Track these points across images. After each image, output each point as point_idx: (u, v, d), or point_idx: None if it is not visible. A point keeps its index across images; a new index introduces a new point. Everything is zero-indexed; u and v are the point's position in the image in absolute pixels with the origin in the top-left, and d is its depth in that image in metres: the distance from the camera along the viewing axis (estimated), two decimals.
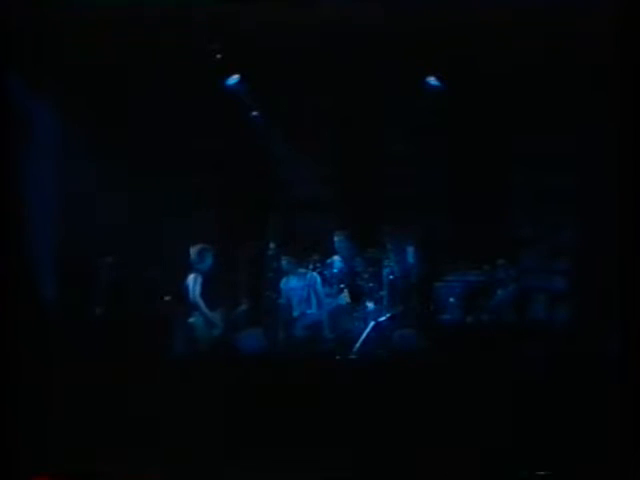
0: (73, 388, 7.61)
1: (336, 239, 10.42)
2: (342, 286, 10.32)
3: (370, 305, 10.25)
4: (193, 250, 9.18)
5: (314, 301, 10.11)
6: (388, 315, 10.14)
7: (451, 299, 10.59)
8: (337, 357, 9.50)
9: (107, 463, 6.92)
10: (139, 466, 6.89)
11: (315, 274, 10.21)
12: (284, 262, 10.28)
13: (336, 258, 10.48)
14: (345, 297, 10.28)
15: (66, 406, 7.47)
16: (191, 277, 9.30)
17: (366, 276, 10.42)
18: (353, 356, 9.62)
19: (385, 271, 10.45)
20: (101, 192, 10.05)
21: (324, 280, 10.27)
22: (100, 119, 10.01)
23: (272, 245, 10.67)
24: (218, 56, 10.16)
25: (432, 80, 10.51)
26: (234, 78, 10.60)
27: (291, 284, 10.18)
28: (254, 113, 11.01)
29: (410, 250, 10.70)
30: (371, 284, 10.38)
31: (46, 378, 7.70)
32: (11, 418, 7.34)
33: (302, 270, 10.16)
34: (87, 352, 8.06)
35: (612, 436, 7.00)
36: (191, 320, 9.30)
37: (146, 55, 9.69)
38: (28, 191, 8.94)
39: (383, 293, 10.37)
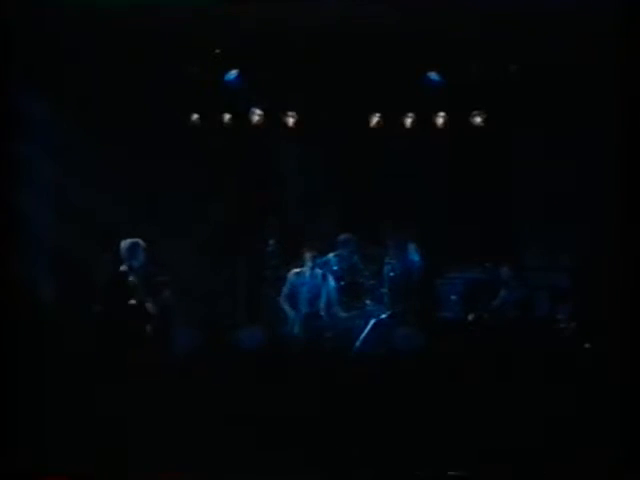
0: (73, 387, 7.72)
1: (339, 237, 10.41)
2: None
3: (370, 303, 10.31)
4: (123, 245, 8.74)
5: (322, 302, 10.09)
6: (389, 313, 10.20)
7: (452, 297, 10.70)
8: (337, 356, 9.53)
9: (107, 463, 7.01)
10: (139, 466, 6.98)
11: (326, 274, 10.19)
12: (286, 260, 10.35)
13: (335, 255, 10.44)
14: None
15: (66, 406, 7.56)
16: None
17: (367, 273, 10.44)
18: (353, 355, 9.71)
19: (386, 268, 10.49)
20: (100, 191, 10.20)
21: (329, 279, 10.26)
22: (99, 119, 10.12)
23: (271, 242, 10.82)
24: (217, 51, 10.32)
25: (433, 75, 10.61)
26: (233, 73, 10.75)
27: (295, 282, 10.15)
28: (253, 111, 11.17)
29: (411, 247, 10.73)
30: (372, 281, 10.41)
31: (45, 378, 7.81)
32: (11, 418, 7.45)
33: (307, 269, 10.12)
34: (86, 351, 8.19)
35: (614, 435, 7.12)
36: None
37: (145, 55, 9.88)
38: (26, 190, 9.10)
39: (384, 291, 10.42)
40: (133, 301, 8.39)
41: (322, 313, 10.09)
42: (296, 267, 10.24)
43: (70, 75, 9.58)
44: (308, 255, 10.15)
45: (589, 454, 6.95)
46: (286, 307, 10.12)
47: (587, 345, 9.20)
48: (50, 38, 8.93)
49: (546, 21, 8.63)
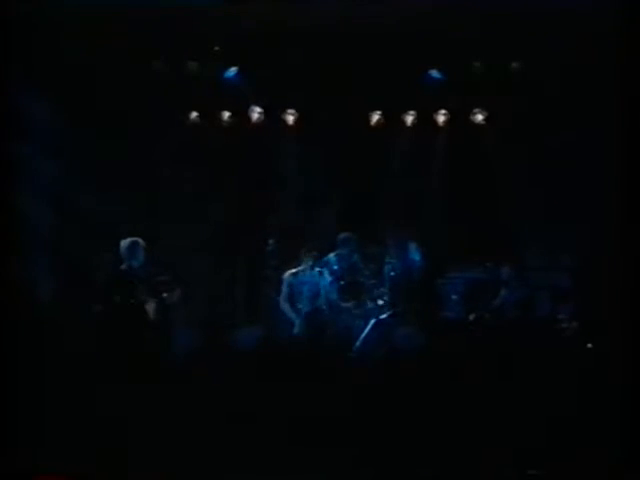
0: (73, 387, 7.81)
1: (339, 236, 10.40)
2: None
3: (370, 302, 10.32)
4: (123, 244, 8.75)
5: (321, 301, 10.14)
6: (389, 313, 10.24)
7: (453, 296, 10.73)
8: (337, 356, 9.54)
9: (107, 463, 7.07)
10: (139, 466, 7.04)
11: (322, 272, 10.22)
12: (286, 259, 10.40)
13: (335, 255, 10.43)
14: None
15: (66, 406, 7.64)
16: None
17: (367, 273, 10.45)
18: (353, 355, 9.74)
19: (386, 268, 10.53)
20: (99, 190, 10.30)
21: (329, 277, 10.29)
22: (97, 118, 10.22)
23: (271, 241, 10.88)
24: (216, 48, 10.45)
25: (434, 73, 10.70)
26: (232, 70, 10.88)
27: (294, 282, 10.18)
28: (253, 109, 11.27)
29: (412, 246, 10.80)
30: (372, 281, 10.43)
31: (45, 378, 7.89)
32: (10, 418, 7.53)
33: (306, 268, 10.16)
34: (86, 351, 8.28)
35: (614, 435, 7.20)
36: None
37: (144, 53, 10.00)
38: (26, 190, 9.20)
39: (384, 290, 10.45)
40: (133, 300, 8.45)
41: (322, 312, 10.12)
42: (295, 267, 10.25)
43: (70, 75, 9.69)
44: (308, 254, 10.18)
45: (589, 454, 7.03)
46: (286, 307, 10.15)
47: (589, 345, 9.28)
48: (50, 38, 9.04)
49: (546, 21, 8.73)
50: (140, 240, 8.76)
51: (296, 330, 10.07)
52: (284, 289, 10.22)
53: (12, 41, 8.40)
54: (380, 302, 10.39)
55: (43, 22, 8.74)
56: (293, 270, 10.24)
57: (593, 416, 7.40)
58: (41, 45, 9.07)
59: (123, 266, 8.67)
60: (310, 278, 10.21)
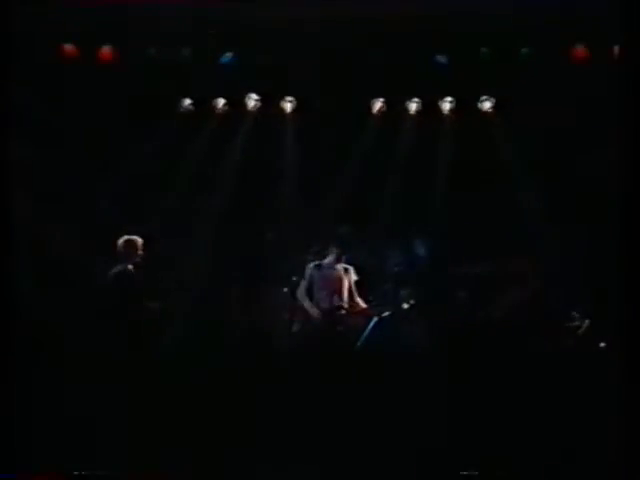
0: (71, 387, 8.15)
1: (340, 230, 10.68)
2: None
3: (373, 299, 10.47)
4: (120, 242, 8.90)
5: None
6: (393, 310, 10.34)
7: (461, 293, 10.97)
8: (337, 355, 9.67)
9: (106, 463, 7.40)
10: (139, 466, 7.35)
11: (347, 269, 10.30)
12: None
13: (335, 250, 10.40)
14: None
15: (64, 405, 7.94)
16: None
17: (370, 269, 10.64)
18: (355, 354, 9.96)
19: (390, 263, 10.86)
20: (97, 187, 10.70)
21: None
22: (91, 116, 10.63)
23: (270, 235, 11.22)
24: (211, 32, 10.83)
25: (440, 58, 11.00)
26: (227, 56, 11.25)
27: (317, 274, 10.21)
28: (249, 95, 11.62)
29: (417, 240, 11.10)
30: (375, 277, 10.66)
31: (43, 377, 8.26)
32: (9, 417, 7.86)
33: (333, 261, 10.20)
34: (84, 350, 8.62)
35: (614, 435, 7.57)
36: None
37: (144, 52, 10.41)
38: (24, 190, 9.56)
39: (387, 287, 10.71)
40: (130, 299, 8.67)
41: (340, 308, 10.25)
42: (295, 260, 10.51)
43: (69, 71, 10.06)
44: (309, 249, 10.43)
45: (589, 454, 7.40)
46: (304, 300, 10.18)
47: (602, 344, 9.64)
48: (50, 37, 9.40)
49: (546, 20, 9.10)
50: (137, 238, 8.94)
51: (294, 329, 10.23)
52: (304, 281, 10.23)
53: (12, 42, 8.74)
54: (383, 299, 10.58)
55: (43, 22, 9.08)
56: (316, 262, 10.25)
57: (595, 415, 7.78)
58: (41, 45, 9.42)
59: (120, 265, 8.89)
60: (333, 272, 10.23)
